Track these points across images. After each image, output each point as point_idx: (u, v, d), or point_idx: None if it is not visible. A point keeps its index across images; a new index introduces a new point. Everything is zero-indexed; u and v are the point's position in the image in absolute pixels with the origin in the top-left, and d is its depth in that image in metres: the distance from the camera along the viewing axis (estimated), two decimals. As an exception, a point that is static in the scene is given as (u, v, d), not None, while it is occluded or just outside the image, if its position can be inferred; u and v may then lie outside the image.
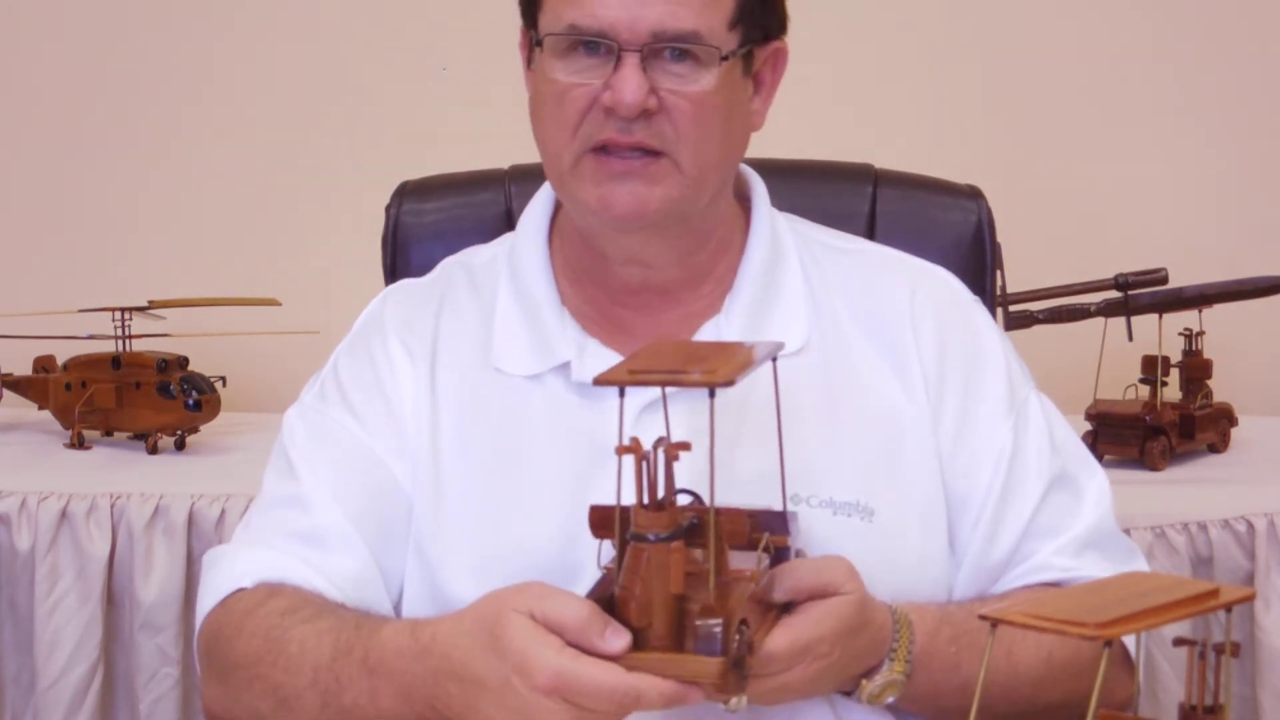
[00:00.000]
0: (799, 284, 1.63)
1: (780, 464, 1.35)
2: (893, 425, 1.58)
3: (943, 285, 1.68)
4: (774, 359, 1.32)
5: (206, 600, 1.58)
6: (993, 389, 1.62)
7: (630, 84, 1.48)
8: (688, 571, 1.25)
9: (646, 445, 1.53)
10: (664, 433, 1.54)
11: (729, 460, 1.53)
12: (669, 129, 1.50)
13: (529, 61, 1.58)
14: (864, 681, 1.42)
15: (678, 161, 1.52)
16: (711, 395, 1.23)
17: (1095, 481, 1.65)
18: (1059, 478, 1.62)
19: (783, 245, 1.65)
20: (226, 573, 1.57)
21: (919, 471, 1.58)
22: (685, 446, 1.25)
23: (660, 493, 1.26)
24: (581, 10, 1.49)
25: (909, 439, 1.58)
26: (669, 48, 1.49)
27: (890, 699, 1.43)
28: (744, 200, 1.67)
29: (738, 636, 1.24)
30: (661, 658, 1.25)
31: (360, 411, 1.62)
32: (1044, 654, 1.53)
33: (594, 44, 1.50)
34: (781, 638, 1.33)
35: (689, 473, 1.53)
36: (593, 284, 1.63)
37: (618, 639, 1.26)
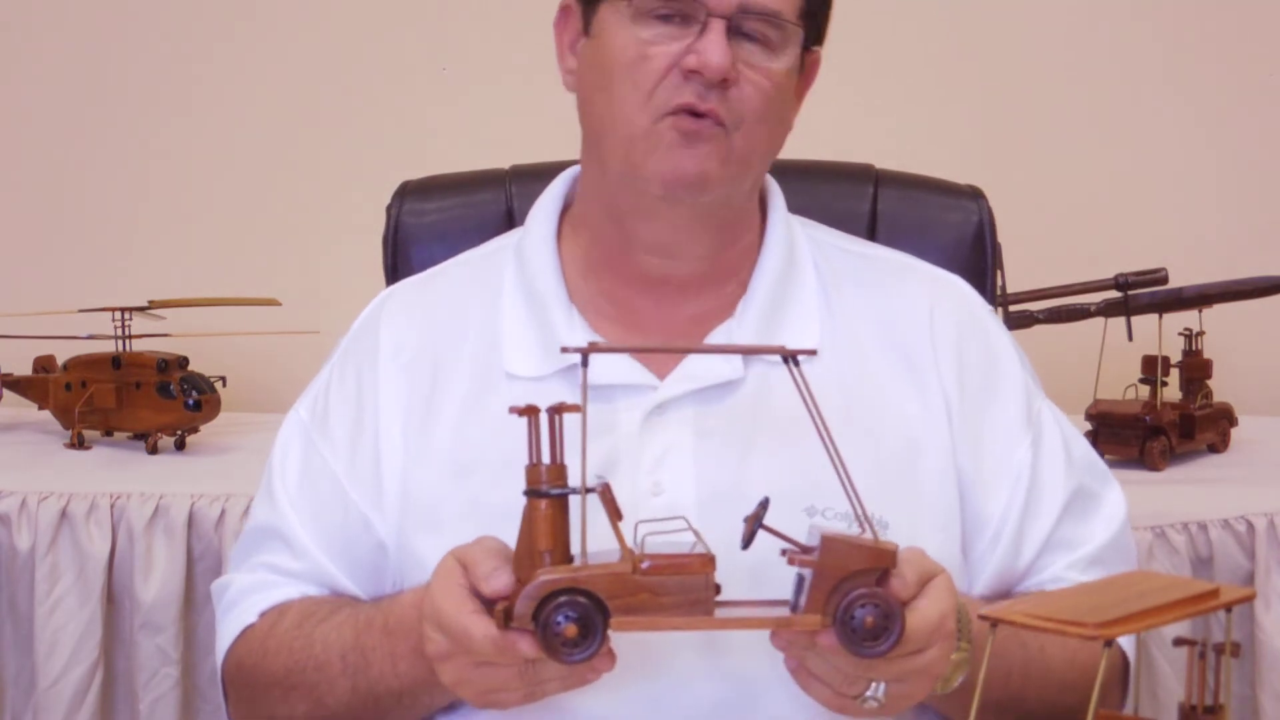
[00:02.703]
0: (813, 290, 1.63)
1: (846, 477, 1.33)
2: (908, 435, 1.58)
3: (960, 296, 1.68)
4: (794, 360, 1.32)
5: (223, 640, 1.63)
6: (1010, 404, 1.62)
7: (719, 48, 1.49)
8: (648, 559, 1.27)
9: (649, 447, 1.54)
10: (668, 434, 1.55)
11: (739, 474, 1.53)
12: (738, 104, 1.52)
13: (585, 28, 1.58)
14: None
15: (731, 138, 1.53)
16: (585, 364, 1.29)
17: (1110, 493, 1.66)
18: (1076, 493, 1.63)
19: (798, 251, 1.65)
20: (231, 613, 1.62)
21: (934, 483, 1.58)
22: (574, 408, 1.29)
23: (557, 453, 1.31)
24: None
25: (925, 450, 1.58)
26: (752, 22, 1.51)
27: (959, 680, 1.41)
28: (761, 204, 1.67)
29: (559, 604, 1.26)
30: (496, 609, 1.30)
31: (340, 449, 1.62)
32: (1069, 652, 1.54)
33: (672, 15, 1.51)
34: (915, 616, 1.32)
35: (696, 489, 1.53)
36: (611, 274, 1.62)
37: (495, 581, 1.30)
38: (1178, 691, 2.34)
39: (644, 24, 1.52)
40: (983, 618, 1.07)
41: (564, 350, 1.33)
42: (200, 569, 2.52)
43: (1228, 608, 1.09)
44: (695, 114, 1.51)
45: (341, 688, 1.51)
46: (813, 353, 1.31)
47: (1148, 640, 2.40)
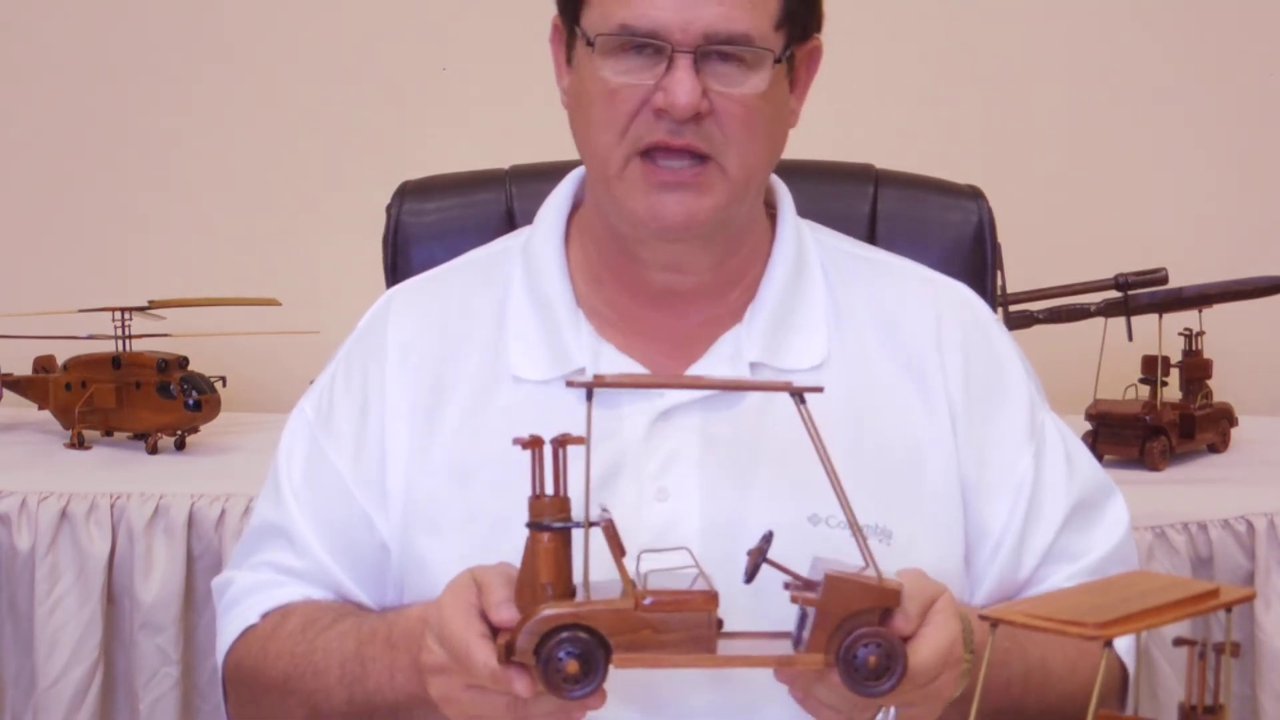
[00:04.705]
0: (821, 297, 1.62)
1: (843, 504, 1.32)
2: (913, 445, 1.57)
3: (966, 306, 1.67)
4: (800, 397, 1.31)
5: (223, 638, 1.63)
6: (1014, 414, 1.62)
7: (684, 86, 1.46)
8: (649, 593, 1.26)
9: (654, 453, 1.54)
10: (673, 440, 1.54)
11: (745, 482, 1.53)
12: (717, 132, 1.49)
13: (568, 58, 1.56)
14: None
15: (724, 167, 1.50)
16: (590, 398, 1.28)
17: (1112, 505, 1.65)
18: (1078, 505, 1.62)
19: (807, 256, 1.64)
20: (232, 611, 1.62)
21: (938, 493, 1.57)
22: (578, 440, 1.28)
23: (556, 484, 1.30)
24: (633, 10, 1.47)
25: (930, 458, 1.58)
26: (720, 50, 1.48)
27: (958, 691, 1.39)
28: (769, 208, 1.66)
29: (560, 640, 1.25)
30: (498, 642, 1.29)
31: (345, 448, 1.62)
32: (1070, 662, 1.54)
33: (643, 45, 1.48)
34: (924, 649, 1.31)
35: (700, 495, 1.52)
36: (616, 284, 1.61)
37: (504, 611, 1.29)
38: (1178, 691, 2.34)
39: (613, 59, 1.49)
40: (983, 618, 1.07)
41: (569, 384, 1.31)
42: (200, 569, 2.52)
43: (1228, 608, 1.09)
44: (670, 150, 1.48)
45: (338, 697, 1.51)
46: (819, 390, 1.30)
47: (1148, 640, 2.39)
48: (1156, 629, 1.06)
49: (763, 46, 1.49)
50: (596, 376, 1.31)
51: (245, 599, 1.61)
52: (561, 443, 1.29)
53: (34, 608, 2.51)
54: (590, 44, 1.49)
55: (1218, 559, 2.46)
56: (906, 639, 1.30)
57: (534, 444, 1.29)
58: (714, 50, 1.48)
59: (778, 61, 1.50)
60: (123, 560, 2.52)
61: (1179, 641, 1.18)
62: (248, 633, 1.59)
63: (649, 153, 1.49)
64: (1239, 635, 2.38)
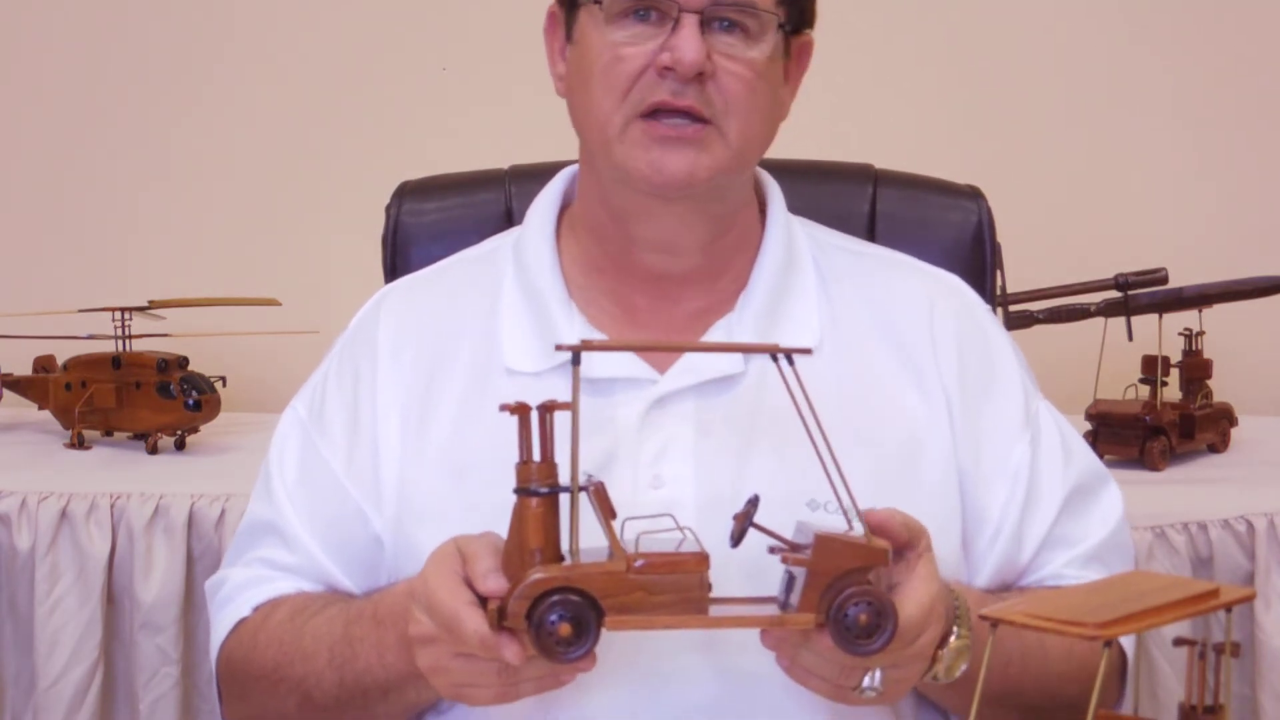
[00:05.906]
0: (813, 288, 1.63)
1: (837, 473, 1.33)
2: (910, 433, 1.58)
3: (958, 295, 1.69)
4: (787, 359, 1.32)
5: (216, 635, 1.63)
6: (1009, 404, 1.63)
7: (691, 43, 1.50)
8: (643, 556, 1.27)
9: (649, 441, 1.54)
10: (668, 428, 1.55)
11: (740, 468, 1.53)
12: (718, 97, 1.52)
13: (568, 35, 1.58)
14: (938, 652, 1.41)
15: (724, 131, 1.53)
16: (576, 362, 1.28)
17: (1107, 491, 1.66)
18: (1074, 491, 1.63)
19: (797, 248, 1.65)
20: (225, 608, 1.62)
21: (935, 480, 1.58)
22: (564, 406, 1.28)
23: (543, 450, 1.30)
24: None
25: (926, 447, 1.58)
26: (725, 14, 1.51)
27: (961, 668, 1.41)
28: (760, 203, 1.67)
29: (552, 603, 1.26)
30: (490, 608, 1.29)
31: (338, 445, 1.63)
32: (1067, 644, 1.54)
33: (645, 12, 1.51)
34: (909, 604, 1.32)
35: (696, 482, 1.53)
36: (612, 272, 1.62)
37: (491, 581, 1.29)
38: (1178, 691, 2.34)
39: (618, 25, 1.53)
40: (983, 617, 1.07)
41: (558, 348, 1.33)
42: (200, 569, 2.52)
43: (1228, 608, 1.09)
44: (673, 111, 1.51)
45: (329, 681, 1.51)
46: (807, 351, 1.31)
47: (1148, 640, 2.40)
48: (1156, 629, 1.06)
49: (767, 11, 1.53)
50: (584, 341, 1.32)
51: (238, 595, 1.62)
52: (548, 408, 1.29)
53: (34, 608, 2.51)
54: (599, 2, 1.52)
55: (1218, 559, 2.46)
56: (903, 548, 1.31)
57: (520, 410, 1.29)
58: (719, 15, 1.51)
59: (781, 27, 1.54)
60: (123, 560, 2.52)
61: (1179, 641, 1.18)
62: (239, 626, 1.60)
63: (650, 114, 1.52)
64: (1239, 635, 2.38)
